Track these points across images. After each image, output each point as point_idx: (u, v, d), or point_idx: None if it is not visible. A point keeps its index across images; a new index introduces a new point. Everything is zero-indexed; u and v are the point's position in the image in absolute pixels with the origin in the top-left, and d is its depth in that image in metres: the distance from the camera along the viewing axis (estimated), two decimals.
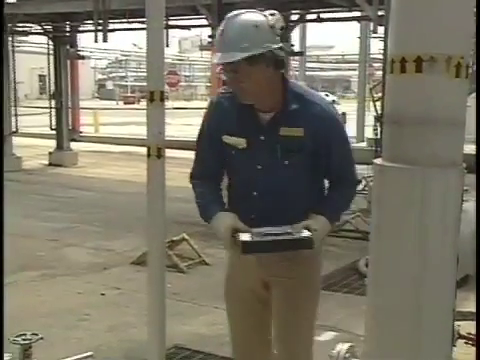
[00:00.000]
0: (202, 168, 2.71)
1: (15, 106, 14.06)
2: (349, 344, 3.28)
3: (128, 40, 45.25)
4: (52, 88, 14.83)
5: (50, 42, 14.61)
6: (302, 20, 13.53)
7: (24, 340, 3.41)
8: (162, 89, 2.49)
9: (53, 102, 14.78)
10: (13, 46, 14.10)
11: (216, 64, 2.49)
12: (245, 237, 2.42)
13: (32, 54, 35.04)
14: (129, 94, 55.45)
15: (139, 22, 13.42)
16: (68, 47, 14.53)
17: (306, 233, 2.43)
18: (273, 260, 2.58)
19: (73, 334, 4.60)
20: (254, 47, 2.39)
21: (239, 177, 2.67)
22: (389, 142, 1.98)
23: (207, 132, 2.67)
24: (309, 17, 13.28)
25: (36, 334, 3.47)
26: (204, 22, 12.08)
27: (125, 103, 49.16)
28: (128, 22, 13.67)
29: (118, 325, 4.78)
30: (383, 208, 1.96)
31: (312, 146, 2.55)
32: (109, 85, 62.78)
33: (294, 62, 22.83)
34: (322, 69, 53.08)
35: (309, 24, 16.93)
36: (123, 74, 62.37)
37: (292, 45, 12.96)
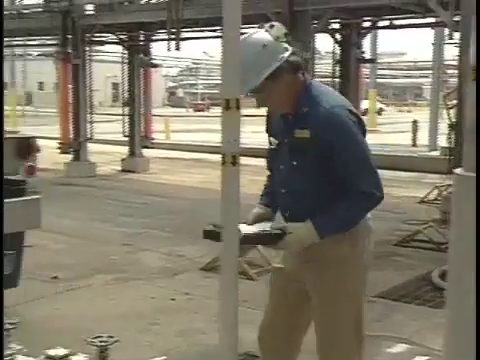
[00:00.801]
0: (268, 164, 2.99)
1: (91, 113, 14.47)
2: (426, 358, 3.20)
3: (198, 48, 45.79)
4: (125, 95, 15.17)
5: (124, 51, 14.97)
6: (374, 27, 13.35)
7: (101, 342, 3.49)
8: (238, 97, 2.49)
9: (126, 109, 15.12)
10: (90, 55, 14.55)
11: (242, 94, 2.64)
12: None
13: (106, 63, 36.09)
14: (199, 101, 56.13)
15: (210, 30, 13.59)
16: (142, 55, 14.84)
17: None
18: (304, 260, 2.73)
19: (144, 338, 4.67)
20: (270, 65, 2.57)
21: (274, 175, 2.89)
22: (471, 152, 1.93)
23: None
24: (381, 24, 13.09)
25: (112, 336, 3.55)
26: None
27: (195, 110, 49.82)
28: (200, 31, 13.85)
29: (188, 330, 4.83)
30: (464, 218, 1.92)
31: (316, 149, 2.62)
32: (180, 93, 63.77)
33: (365, 69, 22.56)
34: (393, 76, 52.28)
35: (380, 30, 16.67)
36: (193, 82, 63.20)
37: (363, 52, 12.82)
